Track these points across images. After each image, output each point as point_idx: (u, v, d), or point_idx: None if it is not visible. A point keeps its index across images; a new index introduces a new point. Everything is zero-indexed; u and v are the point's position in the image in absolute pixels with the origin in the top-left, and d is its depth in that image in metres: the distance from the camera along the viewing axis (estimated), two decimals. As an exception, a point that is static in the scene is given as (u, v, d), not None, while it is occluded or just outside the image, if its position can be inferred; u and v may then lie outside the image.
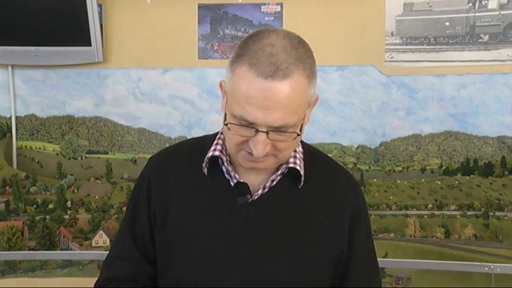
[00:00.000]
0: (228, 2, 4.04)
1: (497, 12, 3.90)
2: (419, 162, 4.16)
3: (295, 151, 1.25)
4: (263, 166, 1.19)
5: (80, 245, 4.03)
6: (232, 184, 1.23)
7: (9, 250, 3.75)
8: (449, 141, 4.10)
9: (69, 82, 4.18)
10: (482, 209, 4.05)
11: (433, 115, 4.06)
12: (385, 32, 3.99)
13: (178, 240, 1.23)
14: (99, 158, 4.29)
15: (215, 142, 1.26)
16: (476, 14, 3.92)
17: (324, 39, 3.92)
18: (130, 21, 4.08)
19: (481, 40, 3.93)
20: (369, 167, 4.16)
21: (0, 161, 4.27)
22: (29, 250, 3.89)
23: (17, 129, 4.24)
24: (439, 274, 3.17)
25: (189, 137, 1.51)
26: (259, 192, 1.23)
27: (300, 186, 1.24)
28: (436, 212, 4.11)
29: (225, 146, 1.24)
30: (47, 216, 4.11)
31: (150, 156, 1.37)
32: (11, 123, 4.22)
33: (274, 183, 1.24)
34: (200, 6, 4.06)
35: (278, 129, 1.12)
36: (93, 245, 4.01)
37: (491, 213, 4.02)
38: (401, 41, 3.99)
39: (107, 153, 4.27)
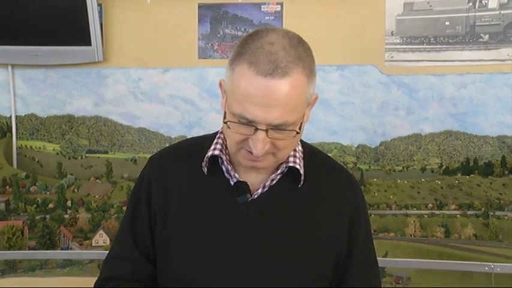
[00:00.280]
0: (228, 1, 4.03)
1: (498, 12, 3.90)
2: (419, 162, 4.15)
3: (294, 150, 1.25)
4: (263, 165, 1.19)
5: (80, 245, 4.03)
6: (232, 183, 1.23)
7: (9, 249, 3.75)
8: (450, 141, 4.09)
9: (69, 82, 4.18)
10: (483, 209, 4.04)
11: (433, 115, 4.06)
12: (385, 32, 3.99)
13: (178, 239, 1.23)
14: (99, 157, 4.29)
15: (215, 141, 1.26)
16: (477, 14, 3.92)
17: (324, 38, 3.92)
18: (130, 21, 4.08)
19: (481, 40, 3.93)
20: (369, 167, 4.16)
21: (0, 161, 4.26)
22: (29, 249, 3.88)
23: (17, 129, 4.24)
24: (439, 274, 3.17)
25: (189, 137, 1.50)
26: (259, 191, 1.23)
27: (299, 186, 1.24)
28: (436, 212, 4.10)
29: (225, 145, 1.24)
30: (47, 216, 4.10)
31: (150, 155, 1.37)
32: (11, 123, 4.22)
33: (274, 182, 1.24)
34: (200, 6, 4.06)
35: (277, 127, 1.12)
36: (93, 244, 4.00)
37: (492, 213, 4.02)
38: (401, 41, 3.99)
39: (107, 152, 4.27)
